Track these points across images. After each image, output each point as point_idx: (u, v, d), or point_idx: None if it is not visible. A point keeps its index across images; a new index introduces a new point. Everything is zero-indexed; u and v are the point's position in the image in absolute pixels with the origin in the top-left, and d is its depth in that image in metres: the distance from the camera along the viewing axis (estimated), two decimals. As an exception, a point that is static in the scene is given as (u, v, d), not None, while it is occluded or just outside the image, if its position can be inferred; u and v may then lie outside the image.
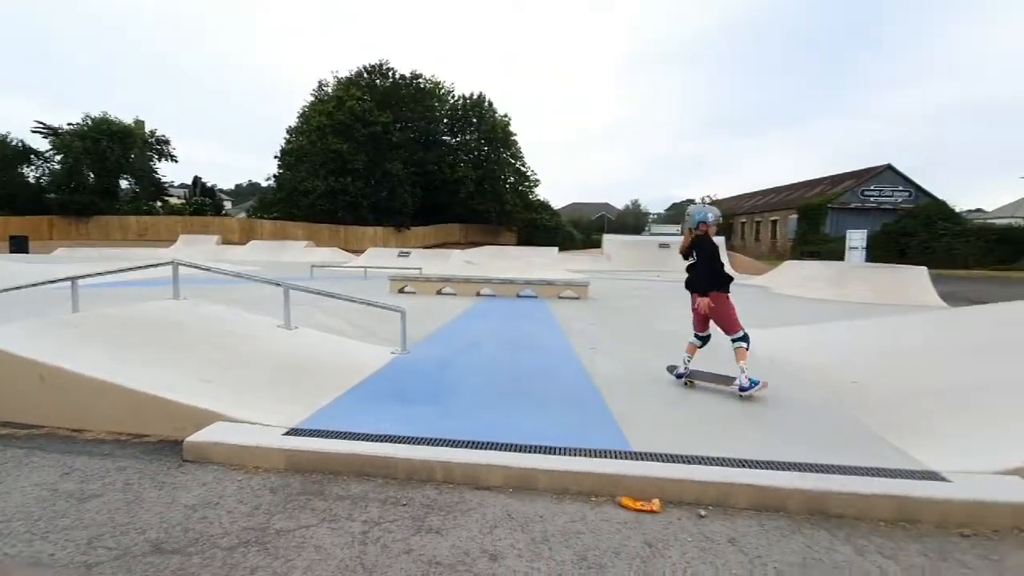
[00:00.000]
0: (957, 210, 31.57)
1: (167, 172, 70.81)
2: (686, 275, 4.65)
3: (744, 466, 3.03)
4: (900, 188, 36.03)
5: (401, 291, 12.10)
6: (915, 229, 27.93)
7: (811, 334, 6.65)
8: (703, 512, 2.78)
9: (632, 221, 62.30)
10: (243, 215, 45.09)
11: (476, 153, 42.09)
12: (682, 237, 4.82)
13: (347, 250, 29.95)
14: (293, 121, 40.02)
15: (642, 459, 3.12)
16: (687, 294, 4.71)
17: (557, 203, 54.58)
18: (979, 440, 3.29)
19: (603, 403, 4.24)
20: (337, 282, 14.40)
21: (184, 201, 41.32)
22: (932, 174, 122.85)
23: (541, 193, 46.10)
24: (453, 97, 43.67)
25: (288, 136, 39.33)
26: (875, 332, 5.91)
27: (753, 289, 15.36)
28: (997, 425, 3.42)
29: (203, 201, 40.44)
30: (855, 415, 3.96)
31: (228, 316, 5.75)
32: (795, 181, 47.46)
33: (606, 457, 3.16)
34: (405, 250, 24.25)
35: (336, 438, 3.36)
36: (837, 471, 2.99)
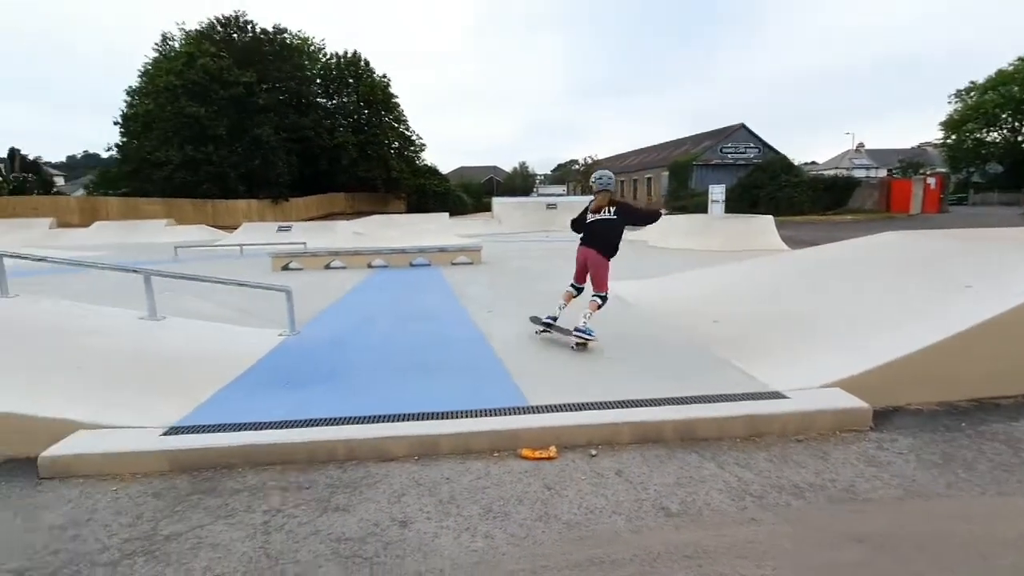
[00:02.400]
0: (796, 163, 35.99)
1: (-31, 144, 58.93)
2: (589, 232, 4.91)
3: (627, 406, 3.37)
4: (752, 145, 40.17)
5: (285, 268, 11.36)
6: (763, 181, 31.45)
7: (676, 281, 7.38)
8: (594, 452, 3.07)
9: (521, 183, 63.21)
10: (82, 192, 38.88)
11: (356, 117, 39.66)
12: (569, 197, 5.15)
13: (217, 227, 27.15)
14: (134, 81, 34.76)
15: (538, 412, 3.34)
16: (574, 253, 5.04)
17: (445, 168, 53.66)
18: (809, 361, 3.93)
19: (500, 363, 4.42)
20: (209, 263, 13.15)
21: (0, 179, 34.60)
22: (777, 132, 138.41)
23: (428, 158, 44.95)
24: (325, 55, 40.47)
25: (129, 98, 34.12)
26: (730, 276, 6.70)
27: (631, 243, 16.52)
28: (822, 347, 4.11)
29: (24, 178, 34.12)
30: (714, 350, 4.52)
31: (76, 312, 5.05)
32: (665, 140, 51.02)
33: (506, 414, 3.33)
34: (286, 224, 22.55)
35: (226, 431, 3.18)
36: (701, 400, 3.43)
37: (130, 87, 34.54)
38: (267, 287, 5.75)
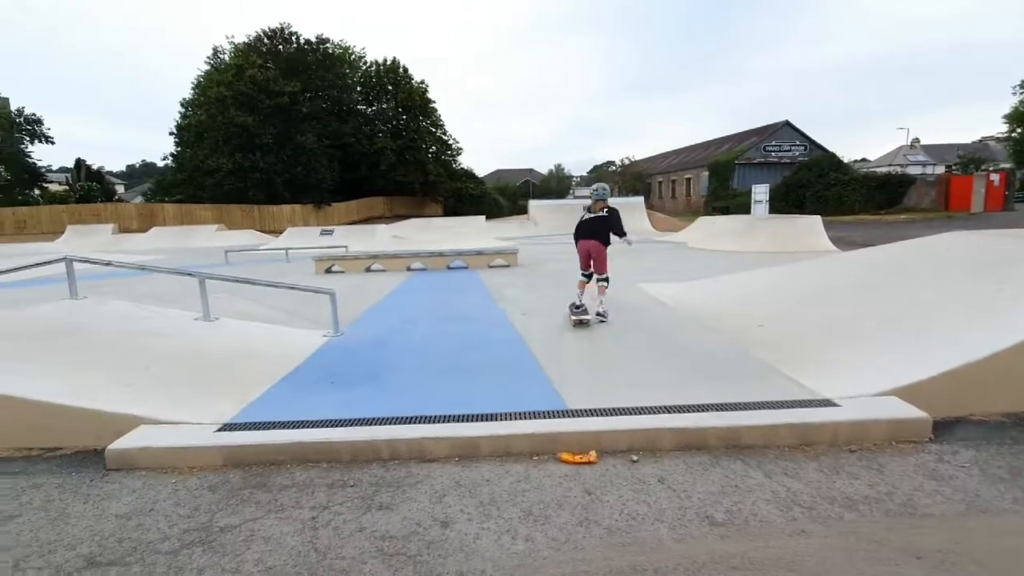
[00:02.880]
0: (845, 160, 34.45)
1: (42, 155, 63.37)
2: (587, 226, 5.89)
3: (669, 412, 3.31)
4: (797, 143, 38.74)
5: (328, 271, 11.69)
6: (810, 180, 30.29)
7: (718, 284, 7.21)
8: (635, 457, 3.03)
9: (556, 185, 63.10)
10: (140, 199, 41.13)
11: (394, 123, 40.39)
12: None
13: (264, 231, 28.30)
14: (187, 93, 36.56)
15: (578, 416, 3.33)
16: (609, 255, 5.85)
17: (481, 171, 54.01)
18: (862, 367, 3.76)
19: (539, 366, 4.42)
20: (257, 266, 13.66)
21: (68, 187, 36.96)
22: (824, 129, 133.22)
23: (464, 161, 45.34)
24: (365, 63, 41.46)
25: (183, 110, 35.86)
26: (775, 278, 6.49)
27: (671, 245, 16.21)
28: (875, 353, 3.93)
29: (90, 186, 36.33)
30: (759, 354, 4.39)
31: (139, 313, 5.35)
32: (704, 140, 49.83)
33: (546, 417, 3.33)
34: (328, 228, 23.24)
35: (275, 428, 3.30)
36: (746, 407, 3.34)
37: (184, 99, 36.35)
38: (313, 290, 5.94)
